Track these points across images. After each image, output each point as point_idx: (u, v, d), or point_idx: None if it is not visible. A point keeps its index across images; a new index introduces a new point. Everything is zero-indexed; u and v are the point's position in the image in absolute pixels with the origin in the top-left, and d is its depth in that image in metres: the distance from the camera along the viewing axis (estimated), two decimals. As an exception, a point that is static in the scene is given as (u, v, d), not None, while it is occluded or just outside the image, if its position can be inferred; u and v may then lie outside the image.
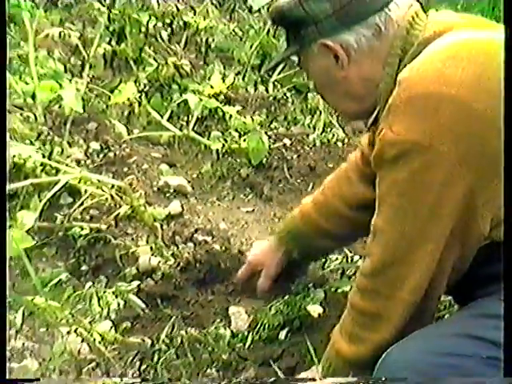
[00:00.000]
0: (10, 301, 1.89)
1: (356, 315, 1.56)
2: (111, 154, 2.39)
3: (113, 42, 2.77)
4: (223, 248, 2.14)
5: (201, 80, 2.71)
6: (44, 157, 2.22)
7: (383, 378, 1.44)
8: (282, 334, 1.90)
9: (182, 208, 2.26)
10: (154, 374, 1.80)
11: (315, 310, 1.93)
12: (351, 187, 1.89)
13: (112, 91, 2.54)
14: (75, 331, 1.83)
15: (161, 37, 2.86)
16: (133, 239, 2.14)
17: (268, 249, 2.03)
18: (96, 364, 1.80)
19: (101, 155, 2.38)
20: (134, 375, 1.79)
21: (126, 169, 2.36)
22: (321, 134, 2.60)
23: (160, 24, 2.89)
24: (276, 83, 2.78)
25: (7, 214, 2.04)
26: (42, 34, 2.73)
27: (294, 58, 1.80)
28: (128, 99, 2.52)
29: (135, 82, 2.62)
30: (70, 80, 2.55)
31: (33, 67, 2.47)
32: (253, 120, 2.56)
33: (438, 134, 1.39)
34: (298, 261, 2.03)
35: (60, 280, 2.01)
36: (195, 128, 2.54)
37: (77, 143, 2.41)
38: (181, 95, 2.61)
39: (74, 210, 2.16)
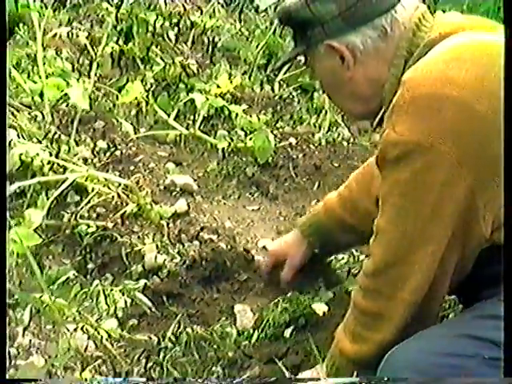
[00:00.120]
0: (18, 298, 1.91)
1: (358, 315, 1.57)
2: (118, 153, 2.40)
3: (120, 42, 2.78)
4: (229, 246, 2.15)
5: (207, 79, 2.72)
6: (51, 155, 2.23)
7: (385, 378, 1.44)
8: (287, 332, 1.91)
9: (188, 206, 2.27)
10: (159, 372, 1.81)
11: (320, 308, 1.94)
12: (377, 183, 1.89)
13: (119, 90, 2.55)
14: (82, 329, 1.84)
15: (168, 36, 2.86)
16: (139, 237, 2.15)
17: (291, 241, 2.04)
18: (102, 361, 1.81)
19: (108, 154, 2.39)
20: (140, 373, 1.80)
21: (132, 167, 2.37)
22: (326, 133, 2.61)
23: (167, 24, 2.90)
24: (282, 82, 2.78)
25: (12, 212, 2.07)
26: (51, 33, 2.74)
27: (301, 58, 1.82)
28: (135, 98, 2.52)
29: (142, 81, 2.63)
30: (78, 79, 2.56)
31: (41, 66, 2.49)
32: (259, 119, 2.56)
33: (440, 135, 1.40)
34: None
35: (67, 278, 2.02)
36: (201, 127, 2.55)
37: (84, 142, 2.42)
38: (187, 94, 2.61)
39: (81, 208, 2.17)
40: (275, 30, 2.89)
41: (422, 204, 1.44)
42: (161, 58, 2.77)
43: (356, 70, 1.59)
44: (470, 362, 1.40)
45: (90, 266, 2.11)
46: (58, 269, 2.07)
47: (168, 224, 2.20)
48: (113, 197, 2.19)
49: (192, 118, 2.58)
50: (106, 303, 1.94)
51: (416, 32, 1.55)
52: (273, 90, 2.76)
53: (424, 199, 1.44)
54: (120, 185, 2.21)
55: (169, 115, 2.54)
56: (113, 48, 2.73)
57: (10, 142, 2.17)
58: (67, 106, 2.50)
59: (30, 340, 1.81)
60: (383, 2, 1.55)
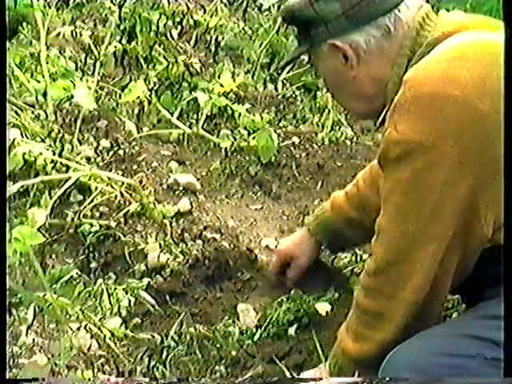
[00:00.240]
0: (21, 297, 1.91)
1: (360, 314, 1.57)
2: (121, 152, 2.40)
3: (123, 41, 2.78)
4: (232, 245, 2.15)
5: (210, 78, 2.72)
6: (54, 154, 2.23)
7: (387, 378, 1.44)
8: (290, 331, 1.91)
9: (191, 205, 2.27)
10: (162, 371, 1.81)
11: (323, 307, 1.94)
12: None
13: (122, 89, 2.55)
14: (85, 327, 1.85)
15: (171, 35, 2.86)
16: (142, 236, 2.15)
17: (299, 240, 2.05)
18: (105, 360, 1.81)
19: (111, 153, 2.39)
20: (143, 371, 1.81)
21: (135, 166, 2.37)
22: (329, 132, 2.61)
23: (170, 23, 2.90)
24: (285, 81, 2.78)
25: (15, 211, 2.07)
26: (54, 32, 2.74)
27: (304, 57, 1.82)
28: (138, 97, 2.52)
29: (145, 80, 2.63)
30: (81, 78, 2.56)
31: (44, 65, 2.49)
32: (262, 118, 2.56)
33: (442, 134, 1.40)
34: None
35: (71, 277, 2.02)
36: (204, 126, 2.55)
37: (87, 141, 2.42)
38: (190, 93, 2.61)
39: (84, 207, 2.17)
40: (278, 28, 2.89)
41: (423, 203, 1.44)
42: (164, 57, 2.77)
43: (359, 69, 1.59)
44: (471, 362, 1.40)
45: (93, 264, 2.12)
46: (62, 268, 2.07)
47: (171, 223, 2.20)
48: (116, 196, 2.20)
49: (195, 116, 2.58)
50: (109, 302, 1.95)
51: (419, 31, 1.55)
52: (276, 89, 2.76)
53: (425, 198, 1.44)
54: (123, 184, 2.21)
55: (172, 114, 2.54)
56: (116, 47, 2.74)
57: (13, 140, 2.18)
58: (70, 105, 2.51)
59: (34, 339, 1.81)
60: (387, 1, 1.55)
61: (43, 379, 1.68)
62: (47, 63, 2.52)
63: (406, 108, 1.44)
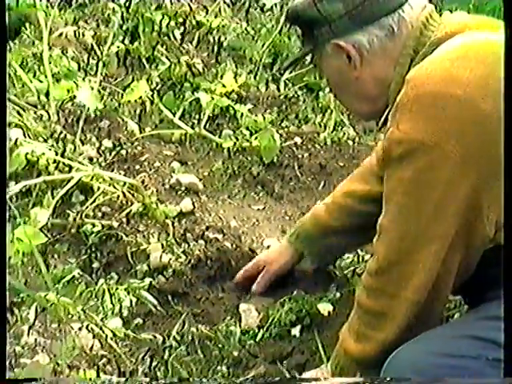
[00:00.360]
0: (23, 297, 1.91)
1: (362, 314, 1.57)
2: (123, 152, 2.40)
3: (126, 41, 2.78)
4: (234, 246, 2.15)
5: (213, 78, 2.72)
6: (57, 154, 2.23)
7: (389, 378, 1.44)
8: (292, 332, 1.91)
9: (194, 206, 2.27)
10: (164, 371, 1.81)
11: (325, 308, 1.94)
12: (366, 185, 1.90)
13: (125, 89, 2.55)
14: (87, 327, 1.85)
15: (173, 36, 2.86)
16: (144, 236, 2.15)
17: (279, 248, 2.04)
18: (107, 360, 1.81)
19: (113, 153, 2.40)
20: (145, 372, 1.81)
21: (137, 166, 2.37)
22: (332, 132, 2.60)
23: (173, 23, 2.89)
24: (287, 82, 2.78)
25: (17, 211, 2.07)
26: (57, 32, 2.74)
27: (306, 57, 1.81)
28: (140, 97, 2.53)
29: (148, 80, 2.63)
30: (84, 78, 2.56)
31: (47, 66, 2.49)
32: (264, 118, 2.56)
33: (444, 133, 1.40)
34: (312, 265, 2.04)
35: (72, 277, 2.02)
36: (207, 126, 2.55)
37: (89, 141, 2.43)
38: (193, 93, 2.61)
39: (87, 208, 2.17)
40: (281, 29, 2.89)
41: (426, 203, 1.44)
42: (166, 58, 2.77)
43: (363, 69, 1.58)
44: (473, 363, 1.39)
45: (96, 264, 2.12)
46: (64, 268, 2.07)
47: (173, 223, 2.20)
48: (118, 196, 2.20)
49: (197, 117, 2.58)
50: (111, 302, 1.95)
51: (423, 31, 1.55)
52: (278, 89, 2.76)
53: (428, 198, 1.44)
54: (125, 184, 2.21)
55: (174, 114, 2.54)
56: (118, 47, 2.74)
57: (15, 141, 2.18)
58: (73, 105, 2.51)
59: (36, 339, 1.81)
60: (390, 1, 1.55)
61: (40, 379, 1.68)
62: (50, 63, 2.52)
63: (409, 107, 1.44)
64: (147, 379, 1.78)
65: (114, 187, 2.20)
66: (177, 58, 2.77)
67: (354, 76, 1.60)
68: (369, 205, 1.86)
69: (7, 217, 1.83)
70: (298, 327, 1.92)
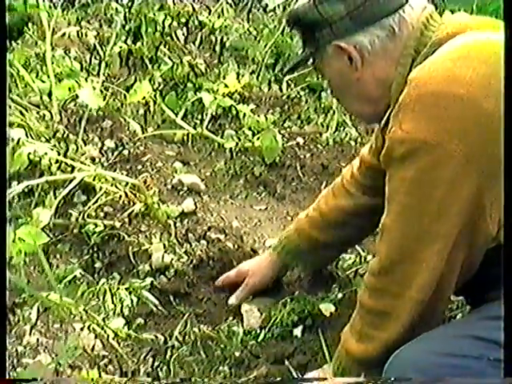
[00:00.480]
0: (25, 296, 1.91)
1: (364, 314, 1.57)
2: (126, 152, 2.41)
3: (129, 41, 2.78)
4: (236, 246, 2.15)
5: (215, 79, 2.72)
6: (59, 154, 2.23)
7: (391, 379, 1.44)
8: (294, 332, 1.91)
9: (196, 206, 2.27)
10: (166, 371, 1.81)
11: (327, 308, 1.94)
12: (350, 199, 1.91)
13: (127, 90, 2.55)
14: (89, 327, 1.85)
15: (176, 36, 2.86)
16: (146, 236, 2.15)
17: (259, 262, 2.05)
18: (109, 360, 1.81)
19: (115, 153, 2.40)
20: (147, 372, 1.81)
21: (140, 167, 2.37)
22: (334, 132, 2.60)
23: (175, 23, 2.89)
24: (290, 82, 2.78)
25: (20, 211, 2.07)
26: (59, 32, 2.74)
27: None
28: (143, 98, 2.52)
29: (150, 80, 2.63)
30: (86, 78, 2.56)
31: (49, 66, 2.49)
32: (266, 119, 2.56)
33: (447, 133, 1.40)
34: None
35: (74, 276, 2.03)
36: (209, 126, 2.55)
37: (92, 141, 2.43)
38: (195, 94, 2.61)
39: (89, 208, 2.17)
40: (283, 29, 2.89)
41: (429, 202, 1.44)
42: (169, 58, 2.77)
43: (364, 70, 1.58)
44: (475, 362, 1.40)
45: (98, 264, 2.12)
46: (66, 268, 2.08)
47: (175, 223, 2.20)
48: (120, 196, 2.20)
49: (200, 117, 2.58)
50: (113, 302, 1.95)
51: (424, 31, 1.55)
52: (281, 89, 2.76)
53: (430, 197, 1.44)
54: (127, 184, 2.21)
55: (176, 114, 2.54)
56: (121, 47, 2.74)
57: (18, 140, 2.18)
58: (75, 105, 2.51)
59: (38, 338, 1.81)
60: (391, 1, 1.55)
61: (42, 379, 1.68)
62: (52, 63, 2.52)
63: (411, 107, 1.44)
64: (149, 379, 1.78)
65: (116, 187, 2.20)
66: (179, 59, 2.77)
67: (355, 77, 1.60)
68: (356, 219, 1.91)
69: (8, 217, 1.83)
70: (300, 328, 1.92)
